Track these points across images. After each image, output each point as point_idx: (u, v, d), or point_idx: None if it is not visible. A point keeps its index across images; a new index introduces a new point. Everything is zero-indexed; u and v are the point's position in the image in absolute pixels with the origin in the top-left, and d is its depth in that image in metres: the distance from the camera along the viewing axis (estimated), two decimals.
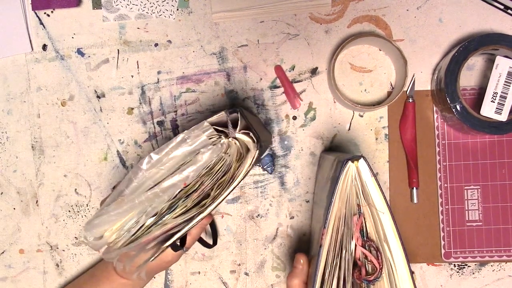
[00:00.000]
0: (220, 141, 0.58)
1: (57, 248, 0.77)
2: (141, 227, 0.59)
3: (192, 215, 0.58)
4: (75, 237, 0.77)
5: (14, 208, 0.77)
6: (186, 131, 0.58)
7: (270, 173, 0.75)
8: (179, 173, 0.57)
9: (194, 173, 0.57)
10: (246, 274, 0.76)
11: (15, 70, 0.76)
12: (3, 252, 0.77)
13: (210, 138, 0.57)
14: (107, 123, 0.76)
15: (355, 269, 0.56)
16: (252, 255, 0.75)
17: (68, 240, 0.77)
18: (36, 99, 0.76)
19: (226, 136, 0.58)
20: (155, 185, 0.58)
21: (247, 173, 0.59)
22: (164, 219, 0.58)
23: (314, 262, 0.57)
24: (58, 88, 0.76)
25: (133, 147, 0.76)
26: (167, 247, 0.59)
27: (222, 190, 0.58)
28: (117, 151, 0.76)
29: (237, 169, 0.59)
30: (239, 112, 0.58)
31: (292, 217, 0.75)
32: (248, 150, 0.59)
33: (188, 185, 0.58)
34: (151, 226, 0.59)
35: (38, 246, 0.77)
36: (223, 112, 0.58)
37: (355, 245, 0.56)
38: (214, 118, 0.58)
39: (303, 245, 0.75)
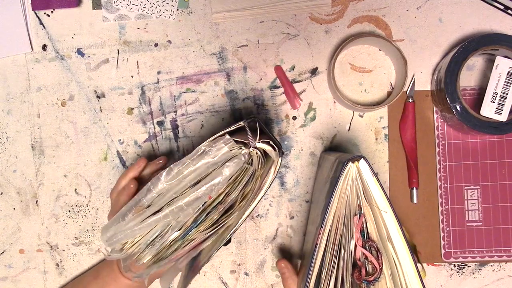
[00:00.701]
0: (241, 151, 0.57)
1: (57, 248, 0.77)
2: (165, 241, 0.59)
3: (219, 227, 0.58)
4: (75, 237, 0.77)
5: (14, 208, 0.77)
6: (206, 142, 0.57)
7: None
8: (203, 185, 0.56)
9: (219, 186, 0.57)
10: (246, 274, 0.76)
11: (15, 70, 0.76)
12: (3, 252, 0.77)
13: (231, 150, 0.57)
14: (107, 123, 0.76)
15: (355, 270, 0.56)
16: (252, 255, 0.75)
17: (68, 240, 0.77)
18: (36, 99, 0.76)
19: (246, 145, 0.58)
20: (177, 197, 0.57)
21: (272, 181, 0.59)
22: (190, 233, 0.58)
23: (307, 262, 0.57)
24: (58, 88, 0.76)
25: (133, 147, 0.76)
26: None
27: (248, 200, 0.59)
28: (117, 151, 0.76)
29: (261, 177, 0.59)
30: (257, 121, 0.58)
31: (292, 217, 0.75)
32: (268, 157, 0.59)
33: (212, 198, 0.58)
34: (176, 241, 0.59)
35: (38, 246, 0.77)
36: (241, 123, 0.58)
37: (355, 246, 0.56)
38: (232, 128, 0.58)
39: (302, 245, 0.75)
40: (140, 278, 0.59)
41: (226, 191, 0.58)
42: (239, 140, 0.58)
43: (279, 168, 0.59)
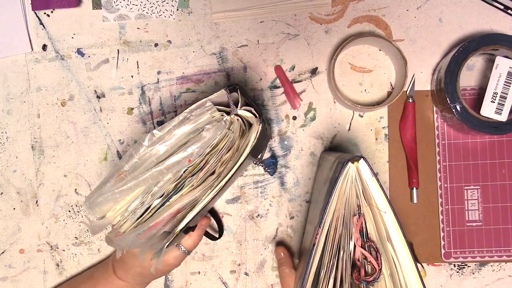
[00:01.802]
0: (223, 118, 0.58)
1: (57, 248, 0.77)
2: (147, 209, 0.58)
3: (199, 192, 0.57)
4: (75, 237, 0.77)
5: (14, 208, 0.77)
6: (188, 109, 0.58)
7: (271, 175, 0.75)
8: (183, 150, 0.57)
9: (198, 150, 0.57)
10: (246, 274, 0.76)
11: (15, 70, 0.76)
12: (3, 252, 0.77)
13: (213, 116, 0.58)
14: (107, 123, 0.76)
15: (354, 270, 0.56)
16: (252, 255, 0.75)
17: (68, 240, 0.77)
18: (36, 99, 0.76)
19: (228, 113, 0.58)
20: (159, 163, 0.57)
21: (251, 149, 0.59)
22: (170, 200, 0.58)
23: (305, 261, 0.57)
24: (58, 88, 0.76)
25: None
26: (182, 229, 0.58)
27: (229, 167, 0.58)
28: (117, 151, 0.76)
29: (242, 145, 0.59)
30: (239, 89, 0.58)
31: (292, 217, 0.75)
32: (250, 125, 0.59)
33: (193, 163, 0.58)
34: (158, 208, 0.58)
35: (38, 246, 0.77)
36: (223, 90, 0.58)
37: (354, 246, 0.56)
38: (214, 96, 0.59)
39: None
40: (120, 247, 0.58)
41: (207, 158, 0.58)
42: (221, 108, 0.58)
43: (258, 135, 0.59)
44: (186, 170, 0.58)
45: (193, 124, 0.57)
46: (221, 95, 0.59)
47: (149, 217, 0.58)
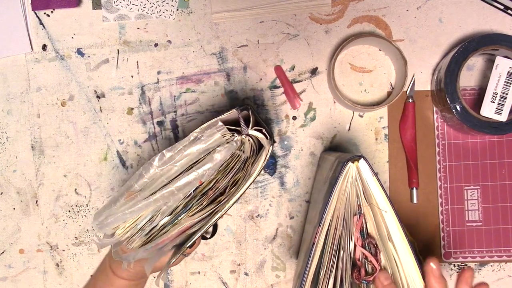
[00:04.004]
0: (233, 138, 0.58)
1: (57, 248, 0.77)
2: (155, 226, 0.59)
3: (208, 212, 0.58)
4: (75, 237, 0.77)
5: (14, 208, 0.77)
6: (198, 129, 0.57)
7: (271, 176, 0.75)
8: (194, 171, 0.56)
9: (209, 172, 0.57)
10: (246, 274, 0.76)
11: (15, 70, 0.76)
12: (3, 252, 0.77)
13: (223, 136, 0.57)
14: (107, 123, 0.76)
15: (354, 270, 0.56)
16: (252, 255, 0.75)
17: (68, 240, 0.77)
18: (36, 99, 0.76)
19: (239, 133, 0.58)
20: (169, 183, 0.57)
21: (261, 170, 0.59)
22: (179, 218, 0.58)
23: (304, 260, 0.57)
24: (58, 88, 0.76)
25: (133, 147, 0.76)
26: (188, 247, 0.58)
27: (238, 187, 0.58)
28: (117, 151, 0.76)
29: (252, 165, 0.59)
30: (250, 109, 0.58)
31: (292, 217, 0.75)
32: (261, 146, 0.59)
33: (203, 183, 0.58)
34: (166, 226, 0.58)
35: (38, 246, 0.77)
36: (234, 110, 0.58)
37: (355, 246, 0.56)
38: (225, 116, 0.58)
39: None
40: (127, 261, 0.58)
41: (217, 177, 0.58)
42: (232, 127, 0.58)
43: (269, 156, 0.59)
44: (196, 189, 0.58)
45: (203, 144, 0.57)
46: (232, 114, 0.59)
47: (157, 234, 0.59)
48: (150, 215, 0.59)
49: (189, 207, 0.58)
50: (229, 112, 0.58)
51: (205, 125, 0.58)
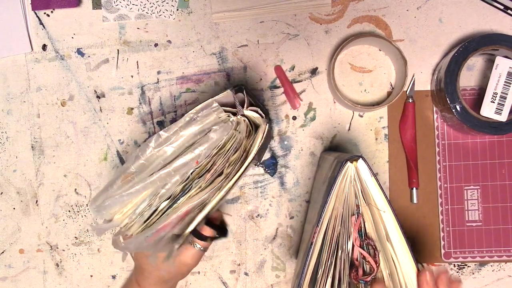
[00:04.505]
0: (229, 119, 0.57)
1: (57, 248, 0.77)
2: (154, 211, 0.58)
3: (207, 194, 0.57)
4: (75, 237, 0.77)
5: (14, 208, 0.77)
6: (194, 110, 0.57)
7: (271, 176, 0.75)
8: (190, 151, 0.56)
9: (205, 151, 0.56)
10: (246, 274, 0.76)
11: (15, 70, 0.76)
12: (3, 252, 0.77)
13: (219, 117, 0.57)
14: (107, 123, 0.76)
15: (352, 269, 0.56)
16: (252, 255, 0.75)
17: (68, 240, 0.77)
18: (36, 99, 0.76)
19: (234, 114, 0.58)
20: (166, 164, 0.57)
21: (258, 149, 0.58)
22: (178, 202, 0.57)
23: (302, 260, 0.57)
24: (58, 88, 0.76)
25: (133, 147, 0.76)
26: (191, 232, 0.57)
27: (236, 168, 0.58)
28: (117, 151, 0.76)
29: (248, 146, 0.58)
30: (244, 89, 0.58)
31: (292, 217, 0.75)
32: (256, 125, 0.59)
33: (200, 165, 0.57)
34: (165, 210, 0.58)
35: (38, 246, 0.77)
36: (228, 91, 0.58)
37: (353, 245, 0.56)
38: (219, 97, 0.58)
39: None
40: (128, 249, 0.57)
41: (214, 159, 0.57)
42: (227, 109, 0.58)
43: (265, 135, 0.58)
44: (194, 171, 0.57)
45: (199, 125, 0.57)
46: (227, 95, 0.59)
47: (157, 220, 0.58)
48: (148, 199, 0.58)
49: (187, 190, 0.58)
50: (223, 93, 0.58)
51: (200, 106, 0.57)
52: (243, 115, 0.58)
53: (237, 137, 0.58)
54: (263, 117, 0.58)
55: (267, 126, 0.58)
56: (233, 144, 0.58)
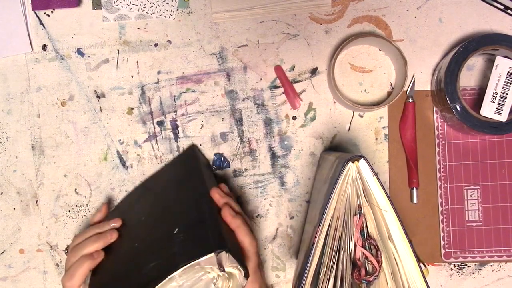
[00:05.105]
0: (210, 276, 0.55)
1: (57, 248, 0.77)
2: None
3: None
4: None
5: (14, 208, 0.77)
6: (178, 272, 0.54)
7: (228, 167, 0.74)
8: None
9: None
10: None
11: (15, 70, 0.76)
12: (3, 252, 0.77)
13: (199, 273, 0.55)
14: (107, 123, 0.76)
15: (354, 269, 0.56)
16: None
17: (68, 240, 0.77)
18: (36, 99, 0.76)
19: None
20: None
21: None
22: None
23: (304, 261, 0.57)
24: (58, 88, 0.76)
25: (133, 147, 0.76)
26: None
27: None
28: (117, 151, 0.76)
29: None
30: (227, 251, 0.55)
31: (292, 217, 0.75)
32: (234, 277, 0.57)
33: None
34: None
35: (38, 246, 0.77)
36: (212, 254, 0.54)
37: (355, 245, 0.56)
38: (203, 260, 0.54)
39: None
40: None
41: None
42: (208, 267, 0.55)
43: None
44: None
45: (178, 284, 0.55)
46: (212, 258, 0.55)
47: None
48: None
49: None
50: (207, 256, 0.54)
51: (184, 267, 0.54)
52: (224, 271, 0.55)
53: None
54: (244, 276, 0.56)
55: (246, 282, 0.56)
56: None
